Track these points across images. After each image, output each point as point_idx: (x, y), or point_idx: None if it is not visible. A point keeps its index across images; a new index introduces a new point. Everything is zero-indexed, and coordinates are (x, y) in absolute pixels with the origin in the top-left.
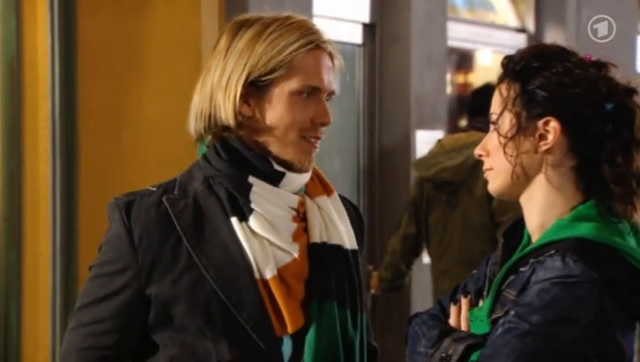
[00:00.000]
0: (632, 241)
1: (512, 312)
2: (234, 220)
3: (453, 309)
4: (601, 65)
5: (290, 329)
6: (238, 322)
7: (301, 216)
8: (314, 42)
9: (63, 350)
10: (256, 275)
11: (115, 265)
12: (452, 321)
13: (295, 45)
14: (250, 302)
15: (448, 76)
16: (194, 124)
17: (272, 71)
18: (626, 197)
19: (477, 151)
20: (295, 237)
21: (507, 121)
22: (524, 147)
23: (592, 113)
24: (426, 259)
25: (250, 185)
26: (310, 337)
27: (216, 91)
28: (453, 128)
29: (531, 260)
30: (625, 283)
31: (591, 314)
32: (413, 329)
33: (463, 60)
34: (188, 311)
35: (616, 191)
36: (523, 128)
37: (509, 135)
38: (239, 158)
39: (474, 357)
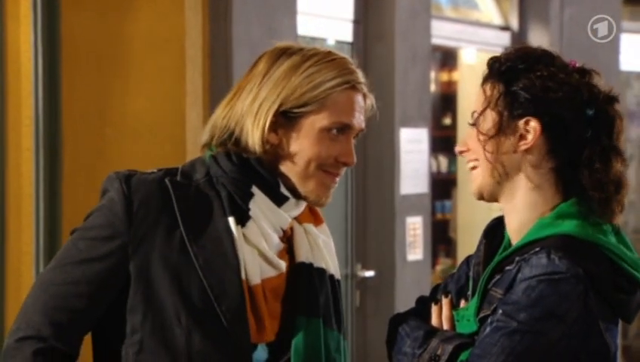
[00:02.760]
0: (612, 239)
1: (500, 311)
2: (231, 220)
3: (434, 309)
4: (584, 72)
5: (267, 337)
6: (217, 314)
7: (285, 238)
8: (350, 83)
9: (26, 306)
10: (243, 276)
11: (105, 231)
12: (433, 321)
13: (331, 83)
14: (231, 297)
15: (432, 74)
16: (208, 134)
17: (304, 105)
18: (604, 202)
19: (458, 148)
20: (280, 256)
21: (489, 120)
22: (504, 146)
23: (572, 117)
24: (410, 256)
25: (252, 194)
26: (297, 347)
27: (246, 115)
28: (437, 126)
29: (517, 258)
30: (608, 279)
31: (577, 309)
32: (396, 330)
33: (447, 58)
34: (170, 292)
35: (594, 196)
36: (504, 127)
37: (490, 133)
38: (249, 168)
39: (463, 356)
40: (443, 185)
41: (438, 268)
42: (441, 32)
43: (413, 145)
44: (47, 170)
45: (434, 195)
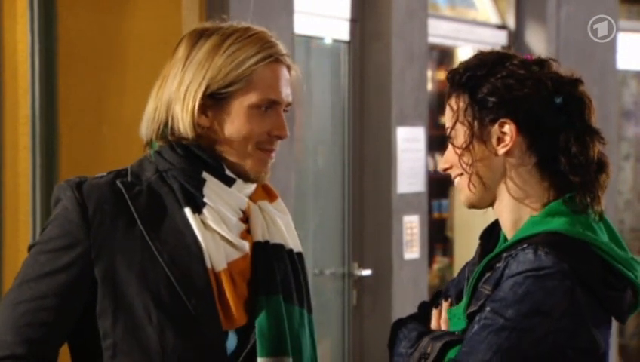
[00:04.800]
0: (603, 235)
1: (488, 308)
2: (187, 210)
3: (434, 313)
4: (542, 62)
5: (236, 324)
6: (187, 309)
7: (244, 219)
8: (273, 56)
9: None
10: (208, 265)
11: (64, 241)
12: (433, 324)
13: (254, 59)
14: (199, 290)
15: (429, 73)
16: (146, 130)
17: (230, 84)
18: (586, 186)
19: (441, 166)
20: (241, 237)
21: (461, 133)
22: (481, 154)
23: (543, 109)
24: (407, 255)
25: (203, 180)
26: (260, 327)
27: (174, 102)
28: (434, 125)
29: (504, 255)
30: (597, 277)
31: (564, 305)
32: (395, 333)
33: (444, 57)
34: (138, 292)
35: (575, 181)
36: (478, 136)
37: (464, 146)
38: (194, 156)
39: (451, 354)
40: (440, 184)
41: (435, 266)
42: (438, 31)
43: (410, 144)
44: (44, 169)
45: (431, 194)
